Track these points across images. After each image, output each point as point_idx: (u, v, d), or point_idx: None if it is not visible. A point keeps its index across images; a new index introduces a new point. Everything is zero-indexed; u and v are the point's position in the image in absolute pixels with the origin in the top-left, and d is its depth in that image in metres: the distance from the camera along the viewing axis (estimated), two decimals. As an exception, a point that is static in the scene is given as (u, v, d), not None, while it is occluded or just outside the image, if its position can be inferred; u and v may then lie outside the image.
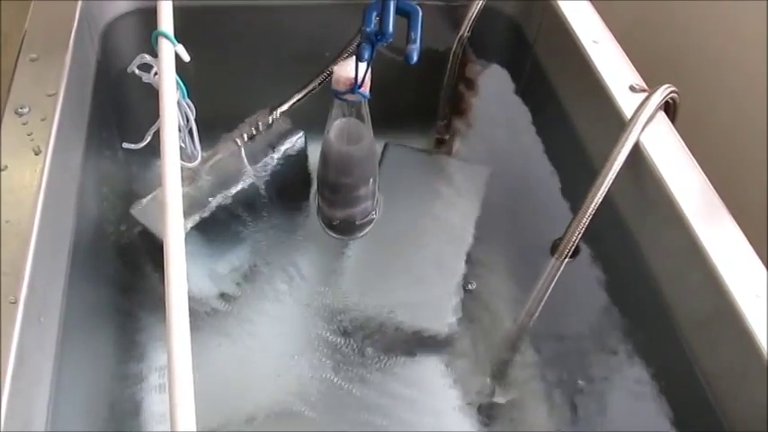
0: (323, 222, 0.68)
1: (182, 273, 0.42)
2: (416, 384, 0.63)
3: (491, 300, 0.67)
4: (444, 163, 0.81)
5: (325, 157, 0.61)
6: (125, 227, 0.64)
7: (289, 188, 0.74)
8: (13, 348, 0.41)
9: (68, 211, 0.55)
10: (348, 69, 0.51)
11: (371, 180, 0.62)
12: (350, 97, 0.53)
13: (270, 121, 0.69)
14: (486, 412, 0.61)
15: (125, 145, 0.57)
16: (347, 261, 0.69)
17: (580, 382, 0.59)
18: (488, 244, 0.70)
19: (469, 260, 0.69)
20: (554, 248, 0.61)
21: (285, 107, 0.70)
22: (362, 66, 0.50)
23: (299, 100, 0.70)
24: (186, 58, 0.54)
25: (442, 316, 0.66)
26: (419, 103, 0.88)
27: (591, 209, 0.57)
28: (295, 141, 0.71)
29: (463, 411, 0.61)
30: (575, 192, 0.70)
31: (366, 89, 0.52)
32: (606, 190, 0.57)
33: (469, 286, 0.67)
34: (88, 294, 0.57)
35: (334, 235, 0.67)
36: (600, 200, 0.57)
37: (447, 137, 0.83)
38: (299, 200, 0.75)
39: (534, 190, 0.75)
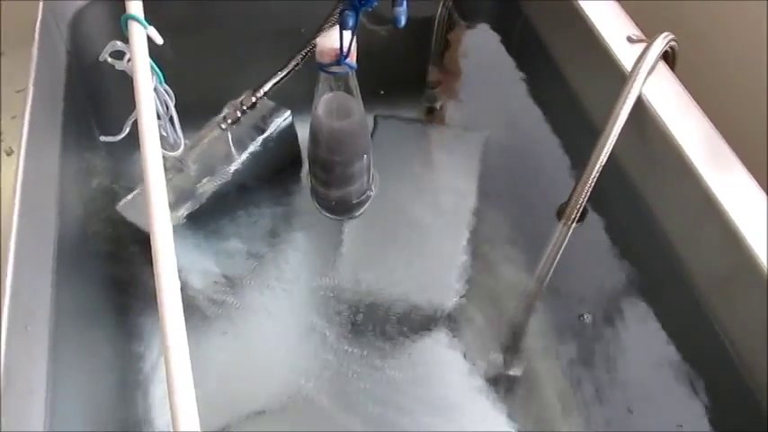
0: (318, 204, 0.65)
1: (172, 269, 0.40)
2: (427, 360, 0.61)
3: (498, 269, 0.65)
4: (438, 132, 0.78)
5: (314, 134, 0.58)
6: (112, 224, 0.61)
7: (279, 170, 0.71)
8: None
9: (49, 214, 0.52)
10: (332, 40, 0.48)
11: (365, 155, 0.59)
12: (336, 69, 0.50)
13: (254, 103, 0.65)
14: (500, 385, 0.59)
15: (103, 138, 0.54)
16: (347, 241, 0.66)
17: (596, 349, 0.58)
18: (491, 212, 0.68)
19: (472, 230, 0.67)
20: (560, 213, 0.59)
21: (268, 86, 0.67)
22: (347, 35, 0.48)
23: (282, 78, 0.67)
24: (159, 40, 0.51)
25: (448, 288, 0.64)
26: (406, 73, 0.85)
27: (596, 170, 0.55)
28: (282, 121, 0.68)
29: (476, 385, 0.59)
30: (576, 152, 0.68)
31: (353, 59, 0.50)
32: (610, 149, 0.55)
33: (475, 257, 0.65)
34: (78, 297, 0.54)
35: (330, 216, 0.65)
36: (604, 159, 0.55)
37: (438, 105, 0.80)
38: (291, 181, 0.72)
39: (533, 153, 0.72)
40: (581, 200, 0.56)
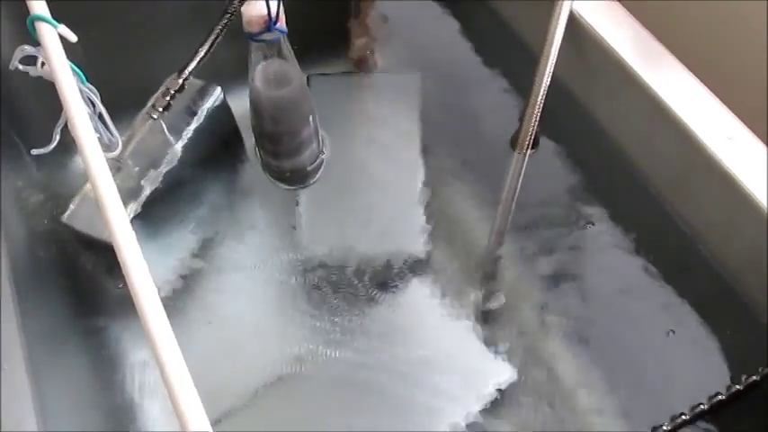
0: (272, 177, 0.63)
1: (142, 269, 0.38)
2: (407, 311, 0.61)
3: (460, 207, 0.65)
4: (371, 80, 0.77)
5: (255, 107, 0.55)
6: (61, 237, 0.59)
7: (220, 148, 0.69)
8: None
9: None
10: (258, 7, 0.46)
11: (311, 119, 0.57)
12: (267, 37, 0.48)
13: (181, 85, 0.62)
14: (482, 320, 0.60)
15: (35, 152, 0.50)
16: (305, 207, 0.65)
17: (569, 268, 0.59)
18: (442, 151, 0.68)
19: (427, 172, 0.66)
20: (513, 142, 0.59)
21: (192, 66, 0.63)
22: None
23: (205, 54, 0.64)
24: (73, 38, 0.48)
25: (414, 237, 0.64)
26: (327, 26, 0.82)
27: (541, 94, 0.55)
28: (213, 99, 0.66)
29: (460, 324, 0.60)
30: (515, 79, 0.68)
31: (282, 23, 0.47)
32: (552, 70, 0.54)
33: (435, 199, 0.65)
34: (47, 319, 0.52)
35: (287, 187, 0.63)
36: (548, 82, 0.55)
37: (367, 53, 0.79)
38: (234, 158, 0.70)
39: (472, 87, 0.72)
40: (531, 127, 0.56)
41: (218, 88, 0.65)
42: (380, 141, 0.69)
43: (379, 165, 0.67)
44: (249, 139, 0.71)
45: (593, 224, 0.58)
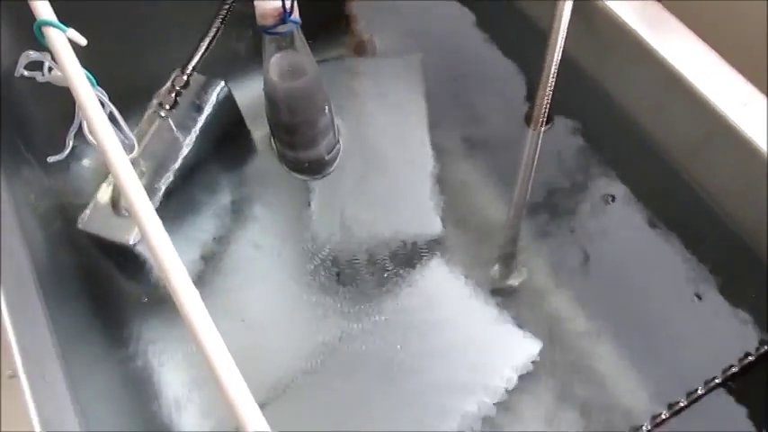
0: (290, 168, 0.63)
1: (180, 269, 0.38)
2: (426, 290, 0.61)
3: (474, 187, 0.65)
4: (373, 64, 0.76)
5: (272, 99, 0.55)
6: (78, 243, 0.58)
7: (229, 142, 0.68)
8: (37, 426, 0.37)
9: (23, 258, 0.48)
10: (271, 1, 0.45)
11: (327, 108, 0.57)
12: (282, 29, 0.47)
13: (186, 81, 0.62)
14: (502, 296, 0.60)
15: (50, 159, 0.50)
16: (320, 195, 0.65)
17: (590, 242, 0.59)
18: (451, 132, 0.68)
19: (437, 154, 0.66)
20: (528, 119, 0.59)
21: (196, 60, 0.63)
22: (287, -10, 0.45)
23: (208, 47, 0.63)
24: (83, 41, 0.47)
25: (429, 217, 0.64)
26: (323, 11, 0.81)
27: (553, 70, 0.55)
28: (218, 93, 0.65)
29: (482, 302, 0.60)
30: (520, 55, 0.68)
31: (296, 14, 0.47)
32: (562, 44, 0.54)
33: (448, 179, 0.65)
34: (78, 330, 0.52)
35: (305, 177, 0.63)
36: (559, 57, 0.54)
37: (366, 37, 0.78)
38: (243, 151, 0.69)
39: (476, 65, 0.72)
40: (545, 102, 0.56)
41: (222, 82, 0.65)
42: (388, 125, 0.68)
43: (389, 148, 0.67)
44: (256, 131, 0.71)
45: (612, 197, 0.59)
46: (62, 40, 0.46)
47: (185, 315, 0.35)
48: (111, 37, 0.71)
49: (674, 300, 0.55)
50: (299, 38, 0.50)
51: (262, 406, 0.52)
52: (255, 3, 0.46)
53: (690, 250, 0.55)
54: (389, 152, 0.66)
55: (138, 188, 0.41)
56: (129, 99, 0.62)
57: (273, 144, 0.63)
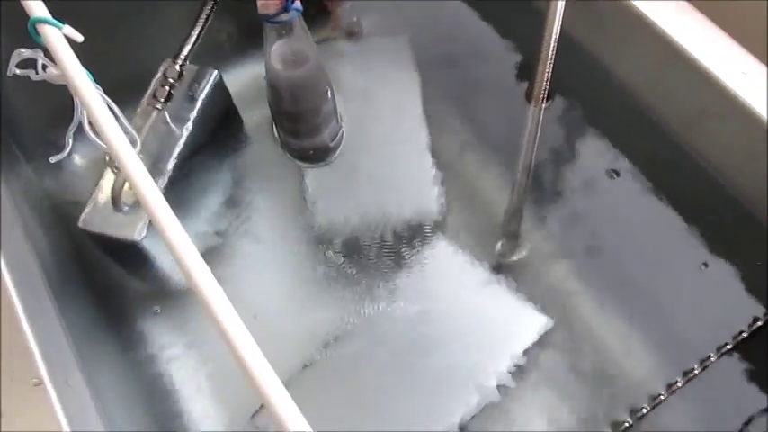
0: (294, 156, 0.62)
1: (201, 265, 0.37)
2: (432, 271, 0.61)
3: (475, 165, 0.65)
4: (362, 47, 0.75)
5: (274, 88, 0.54)
6: (82, 243, 0.57)
7: (224, 131, 0.68)
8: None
9: (31, 264, 0.48)
10: (273, -13, 0.44)
11: (330, 94, 0.56)
12: (284, 17, 0.47)
13: (180, 72, 0.61)
14: (508, 271, 0.61)
15: (52, 159, 0.49)
16: (319, 180, 0.64)
17: (592, 221, 0.59)
18: (446, 111, 0.68)
19: (434, 133, 0.66)
20: (528, 97, 0.59)
21: (187, 50, 0.62)
22: (290, -22, 0.44)
23: (198, 36, 0.62)
24: (79, 38, 0.46)
25: (430, 197, 0.64)
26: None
27: (552, 45, 0.54)
28: (211, 82, 0.64)
29: (486, 280, 0.61)
30: (512, 30, 0.68)
31: (298, 1, 0.46)
32: (561, 19, 0.54)
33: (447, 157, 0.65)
34: (91, 330, 0.51)
35: (310, 165, 0.62)
36: (557, 33, 0.54)
37: (353, 19, 0.77)
38: (238, 139, 0.68)
39: (467, 42, 0.71)
40: (545, 79, 0.56)
41: (215, 71, 0.64)
42: (381, 106, 0.68)
43: (384, 130, 0.66)
44: (247, 118, 0.70)
45: (616, 172, 0.59)
46: (58, 37, 0.45)
47: (210, 310, 0.35)
48: (93, 30, 0.69)
49: (680, 269, 0.55)
50: (300, 24, 0.50)
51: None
52: (257, -8, 0.45)
53: (693, 220, 0.56)
54: (385, 134, 0.66)
55: (150, 183, 0.40)
56: (118, 93, 0.61)
57: (276, 133, 0.62)
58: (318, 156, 0.61)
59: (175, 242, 0.38)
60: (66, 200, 0.64)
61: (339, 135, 0.61)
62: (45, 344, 0.40)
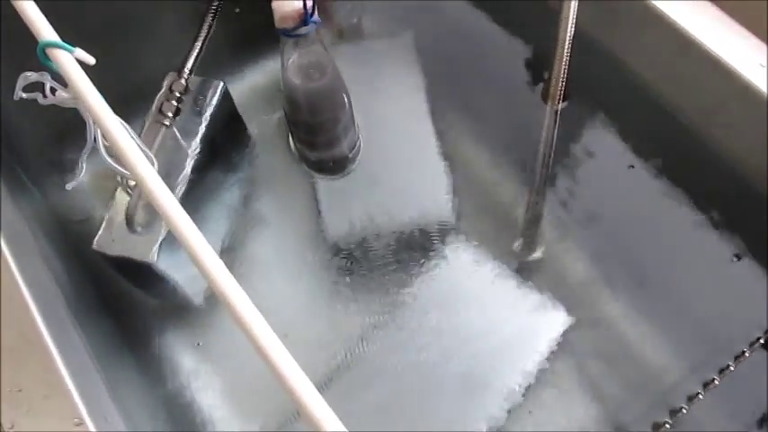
0: (312, 168, 0.61)
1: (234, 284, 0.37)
2: (451, 274, 0.61)
3: (486, 165, 0.65)
4: (364, 49, 0.74)
5: (293, 101, 0.52)
6: (99, 264, 0.56)
7: (231, 143, 0.66)
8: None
9: (54, 290, 0.46)
10: (289, 2, 0.43)
11: (348, 104, 0.55)
12: (304, 30, 0.45)
13: (186, 85, 0.59)
14: (526, 271, 0.61)
15: (68, 186, 0.47)
16: (329, 191, 0.64)
17: (608, 212, 0.59)
18: (456, 111, 0.67)
19: (443, 135, 0.65)
20: (545, 96, 0.58)
21: (191, 62, 0.60)
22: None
23: (202, 47, 0.61)
24: (91, 61, 0.45)
25: (442, 200, 0.63)
26: None
27: (567, 43, 0.54)
28: (218, 94, 0.63)
29: (506, 281, 0.60)
30: (519, 27, 0.67)
31: (316, 14, 0.45)
32: (575, 18, 0.54)
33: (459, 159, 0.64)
34: (121, 354, 0.51)
35: (330, 177, 0.61)
36: (572, 30, 0.54)
37: (354, 20, 0.76)
38: (246, 150, 0.67)
39: (471, 39, 0.70)
40: (561, 79, 0.55)
41: (221, 83, 0.63)
42: (388, 109, 0.67)
43: (392, 133, 0.65)
44: (253, 128, 0.69)
45: (635, 168, 0.59)
46: (70, 61, 0.44)
47: (245, 326, 0.34)
48: (93, 44, 0.67)
49: (704, 264, 0.55)
50: (317, 35, 0.48)
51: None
52: (274, 5, 0.44)
53: (715, 213, 0.55)
54: (394, 138, 0.65)
55: (177, 208, 0.39)
56: (116, 109, 0.59)
57: (293, 145, 0.61)
58: (338, 167, 0.60)
59: (209, 266, 0.37)
60: (74, 219, 0.62)
61: (357, 144, 0.60)
62: (81, 382, 0.39)
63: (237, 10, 0.72)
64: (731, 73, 0.50)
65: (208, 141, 0.62)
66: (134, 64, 0.68)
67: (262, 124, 0.69)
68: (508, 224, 0.63)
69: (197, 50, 0.61)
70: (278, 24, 0.45)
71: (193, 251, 0.37)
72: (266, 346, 0.33)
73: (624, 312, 0.57)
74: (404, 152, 0.65)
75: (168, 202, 0.39)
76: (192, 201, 0.61)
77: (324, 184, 0.64)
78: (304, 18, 0.44)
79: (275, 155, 0.67)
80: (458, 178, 0.64)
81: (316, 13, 0.45)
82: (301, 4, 0.43)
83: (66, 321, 0.45)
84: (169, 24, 0.71)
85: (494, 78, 0.67)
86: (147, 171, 0.40)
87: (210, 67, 0.64)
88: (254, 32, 0.72)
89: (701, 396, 0.49)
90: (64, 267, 0.54)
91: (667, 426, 0.48)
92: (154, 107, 0.61)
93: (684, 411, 0.49)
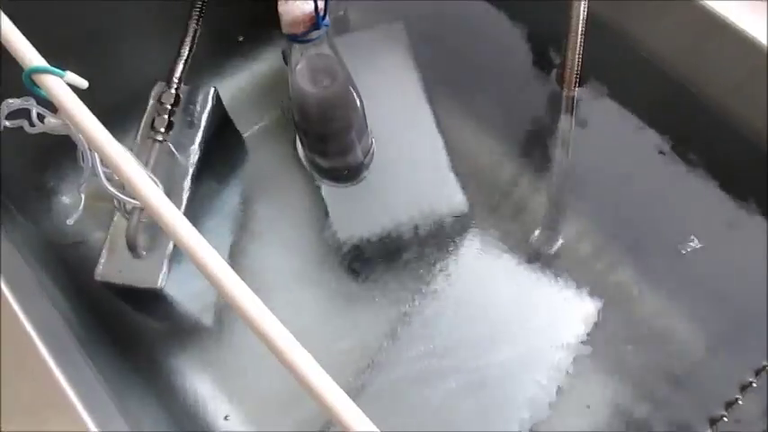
0: (325, 177, 0.57)
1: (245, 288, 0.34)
2: (469, 269, 0.59)
3: (492, 155, 0.62)
4: (354, 40, 0.71)
5: (302, 108, 0.49)
6: (101, 293, 0.53)
7: (226, 151, 0.63)
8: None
9: (56, 320, 0.43)
10: (298, 5, 0.40)
11: (361, 105, 0.52)
12: (316, 35, 0.42)
13: (176, 95, 0.56)
14: (545, 261, 0.59)
15: (69, 221, 0.44)
16: (333, 191, 0.61)
17: (626, 199, 0.57)
18: (455, 101, 0.64)
19: (445, 126, 0.63)
20: (560, 79, 0.55)
21: (179, 71, 0.56)
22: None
23: (189, 54, 0.57)
24: (84, 84, 0.41)
25: (452, 193, 0.61)
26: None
27: (581, 26, 0.51)
28: (210, 101, 0.60)
29: (525, 270, 0.58)
30: (514, 9, 0.64)
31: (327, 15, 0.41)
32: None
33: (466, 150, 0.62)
34: (130, 377, 0.48)
35: (344, 185, 0.58)
36: (585, 12, 0.51)
37: (341, 12, 0.72)
38: (241, 157, 0.64)
39: (464, 24, 0.67)
40: (576, 62, 0.53)
41: (213, 89, 0.59)
42: (385, 107, 0.64)
43: (393, 127, 0.62)
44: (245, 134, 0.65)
45: (662, 152, 0.57)
46: (60, 86, 0.40)
47: (269, 340, 0.32)
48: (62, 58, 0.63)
49: (734, 247, 0.54)
50: (328, 40, 0.45)
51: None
52: (281, 10, 0.40)
53: (743, 193, 0.54)
54: (394, 135, 0.62)
55: (189, 228, 0.37)
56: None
57: (303, 154, 0.57)
58: (352, 174, 0.57)
59: (230, 287, 0.35)
60: (67, 243, 0.59)
61: (371, 149, 0.57)
62: (93, 410, 0.36)
63: (241, 38, 0.69)
64: (757, 47, 0.48)
65: (204, 152, 0.59)
66: (111, 76, 0.64)
67: (253, 128, 0.66)
68: (522, 215, 0.61)
69: (185, 57, 0.57)
70: (286, 30, 0.41)
71: (212, 274, 0.35)
72: (291, 356, 0.32)
73: (652, 303, 0.55)
74: (408, 147, 0.62)
75: (182, 226, 0.37)
76: (191, 216, 0.57)
77: (329, 186, 0.61)
78: (315, 21, 0.40)
79: (272, 161, 0.64)
80: (464, 169, 0.61)
81: (327, 16, 0.41)
82: (312, 6, 0.39)
83: (72, 351, 0.42)
84: (143, 31, 0.67)
85: (495, 66, 0.64)
86: (155, 196, 0.37)
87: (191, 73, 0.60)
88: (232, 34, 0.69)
89: (754, 384, 0.48)
90: (64, 294, 0.51)
91: (725, 419, 0.47)
92: (144, 122, 0.57)
93: (740, 403, 0.47)
